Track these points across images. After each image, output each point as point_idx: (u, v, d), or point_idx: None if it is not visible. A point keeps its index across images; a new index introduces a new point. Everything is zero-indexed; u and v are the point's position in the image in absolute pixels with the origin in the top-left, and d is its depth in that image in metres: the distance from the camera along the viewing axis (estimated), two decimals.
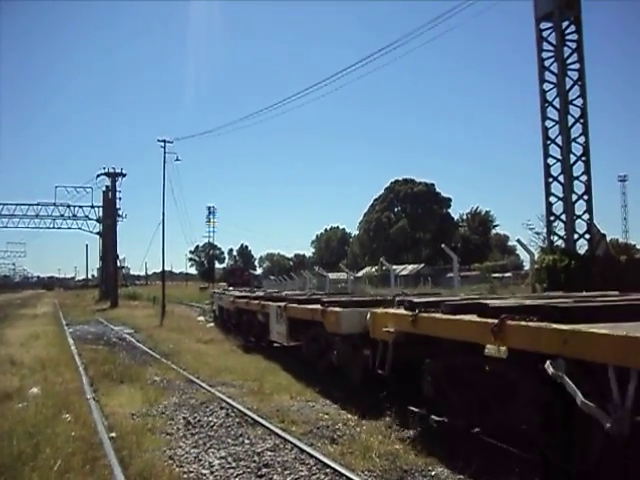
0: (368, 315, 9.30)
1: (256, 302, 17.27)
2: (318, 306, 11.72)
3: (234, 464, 6.86)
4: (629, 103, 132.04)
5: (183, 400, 10.56)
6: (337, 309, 10.71)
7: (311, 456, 7.00)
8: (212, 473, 6.60)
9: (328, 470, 6.51)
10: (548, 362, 5.44)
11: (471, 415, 7.12)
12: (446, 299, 8.66)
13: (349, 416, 8.98)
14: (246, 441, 7.84)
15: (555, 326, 5.45)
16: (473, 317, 6.70)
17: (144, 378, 12.60)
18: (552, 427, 5.93)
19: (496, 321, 6.09)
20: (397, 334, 8.24)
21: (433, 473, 6.39)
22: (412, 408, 8.14)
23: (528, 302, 7.26)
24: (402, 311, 8.33)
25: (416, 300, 8.42)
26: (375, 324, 9.00)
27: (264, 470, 6.62)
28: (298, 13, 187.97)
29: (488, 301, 7.39)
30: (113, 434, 7.98)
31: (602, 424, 4.92)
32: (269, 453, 7.25)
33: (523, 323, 5.90)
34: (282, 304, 14.29)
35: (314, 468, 6.63)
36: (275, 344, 15.71)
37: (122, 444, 7.47)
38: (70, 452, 6.86)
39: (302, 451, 7.24)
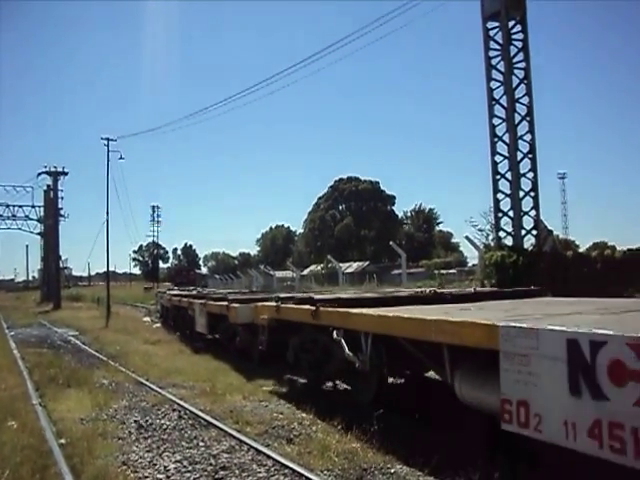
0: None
1: (186, 300, 20.19)
2: (225, 303, 14.65)
3: (190, 468, 6.70)
4: (566, 100, 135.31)
5: (134, 403, 10.32)
6: (235, 305, 13.77)
7: (268, 457, 6.89)
8: (168, 478, 6.43)
9: (287, 471, 6.41)
10: (335, 331, 8.94)
11: (314, 374, 10.65)
12: (297, 295, 12.38)
13: (304, 415, 8.92)
14: (201, 443, 7.69)
15: (339, 310, 9.08)
16: (306, 306, 9.93)
17: (92, 381, 12.28)
18: (350, 376, 9.52)
19: (314, 308, 9.49)
20: (269, 320, 11.60)
21: (392, 471, 6.35)
22: (287, 376, 11.58)
23: (341, 296, 11.32)
24: (272, 303, 11.61)
25: (281, 296, 12.25)
26: (256, 314, 12.31)
27: (221, 473, 6.48)
28: (256, 13, 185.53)
29: (316, 296, 10.95)
30: (62, 441, 7.71)
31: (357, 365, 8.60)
32: (225, 455, 7.11)
33: (327, 309, 9.30)
34: (203, 301, 17.46)
35: (272, 469, 6.53)
36: (208, 336, 17.72)
37: (73, 451, 7.21)
38: (18, 461, 6.58)
39: (259, 452, 7.12)
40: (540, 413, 5.13)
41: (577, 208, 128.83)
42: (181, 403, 10.01)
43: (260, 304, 12.38)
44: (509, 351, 5.44)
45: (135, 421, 8.99)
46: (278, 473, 6.40)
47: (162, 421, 8.99)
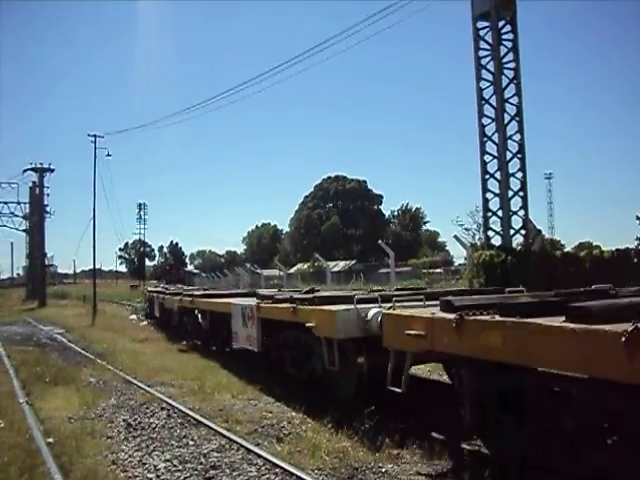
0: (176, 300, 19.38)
1: (154, 294, 26.07)
2: (163, 295, 22.96)
3: (180, 467, 6.66)
4: (552, 101, 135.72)
5: (122, 401, 10.28)
6: (167, 297, 21.77)
7: (259, 456, 6.86)
8: (158, 477, 6.39)
9: (278, 470, 6.38)
10: (195, 310, 16.82)
11: (197, 336, 17.51)
12: (184, 292, 20.43)
13: (293, 414, 8.91)
14: (190, 442, 7.65)
15: (198, 299, 16.55)
16: (189, 298, 17.29)
17: (79, 379, 12.25)
18: (209, 337, 16.18)
19: (191, 298, 17.04)
20: (178, 307, 18.77)
21: (384, 470, 6.34)
22: (193, 341, 17.98)
23: (198, 292, 18.93)
24: (180, 297, 18.65)
25: (184, 293, 19.71)
26: (174, 303, 19.38)
27: (212, 472, 6.45)
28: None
29: (196, 292, 19.25)
30: (50, 440, 7.66)
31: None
32: (215, 454, 7.07)
33: (185, 298, 17.76)
34: (156, 295, 24.86)
35: (263, 468, 6.49)
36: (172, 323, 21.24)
37: (61, 450, 7.17)
38: (6, 461, 6.58)
39: (249, 451, 7.09)
40: (239, 335, 12.27)
41: (562, 208, 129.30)
42: (170, 402, 9.96)
43: (175, 298, 19.62)
44: (232, 312, 12.70)
45: (124, 420, 8.95)
46: (269, 472, 6.37)
47: (151, 420, 8.93)
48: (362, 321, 8.21)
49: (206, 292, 18.73)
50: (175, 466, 6.70)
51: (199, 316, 16.61)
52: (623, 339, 4.10)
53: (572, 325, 4.61)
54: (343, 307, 8.58)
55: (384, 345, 7.21)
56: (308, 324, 8.99)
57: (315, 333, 8.89)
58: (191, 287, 31.99)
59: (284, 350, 10.93)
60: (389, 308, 7.57)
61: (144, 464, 6.83)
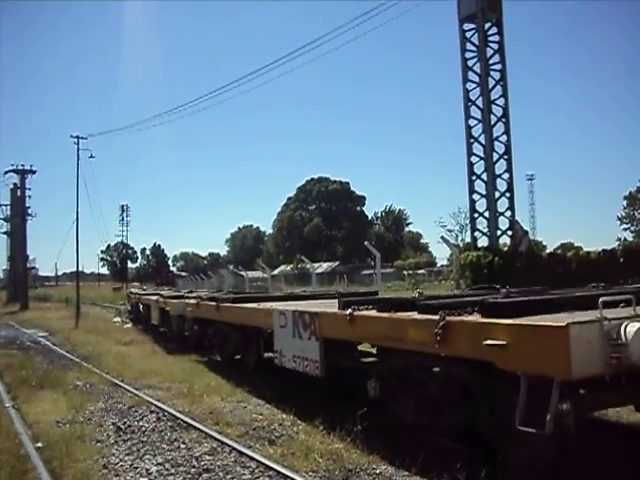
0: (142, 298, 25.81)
1: (132, 295, 30.72)
2: (130, 295, 31.43)
3: (173, 470, 6.59)
4: (534, 101, 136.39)
5: (110, 405, 10.17)
6: (132, 295, 29.89)
7: (252, 459, 6.79)
8: None
9: (271, 472, 6.32)
10: (139, 303, 25.47)
11: (145, 321, 23.53)
12: (137, 292, 30.98)
13: (284, 416, 8.85)
14: (182, 445, 7.57)
15: (141, 296, 25.83)
16: (134, 295, 28.72)
17: (65, 383, 12.10)
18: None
19: (135, 295, 28.73)
20: (135, 302, 27.25)
21: (378, 471, 6.30)
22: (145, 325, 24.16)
23: (147, 291, 29.61)
24: (135, 295, 28.25)
25: (139, 292, 30.34)
26: (133, 300, 28.35)
27: (205, 475, 6.39)
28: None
29: (142, 292, 29.90)
30: (39, 444, 7.55)
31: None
32: (207, 457, 7.00)
33: (136, 296, 27.52)
34: (129, 294, 32.27)
35: (256, 471, 6.44)
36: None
37: (51, 454, 7.06)
38: None
39: (241, 454, 7.02)
40: (153, 317, 20.14)
41: (542, 209, 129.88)
42: (159, 405, 9.88)
43: (132, 295, 29.55)
44: (151, 304, 20.68)
45: (113, 423, 8.84)
46: (263, 475, 6.31)
47: (140, 423, 8.85)
48: (185, 307, 14.92)
49: (145, 292, 28.13)
50: (167, 470, 6.62)
51: (140, 307, 25.06)
52: (237, 310, 11.64)
53: (234, 305, 11.78)
54: (177, 301, 16.28)
55: (186, 316, 14.92)
56: (167, 309, 17.16)
57: (169, 313, 16.68)
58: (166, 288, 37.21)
59: (167, 323, 17.85)
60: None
61: (136, 468, 6.74)
